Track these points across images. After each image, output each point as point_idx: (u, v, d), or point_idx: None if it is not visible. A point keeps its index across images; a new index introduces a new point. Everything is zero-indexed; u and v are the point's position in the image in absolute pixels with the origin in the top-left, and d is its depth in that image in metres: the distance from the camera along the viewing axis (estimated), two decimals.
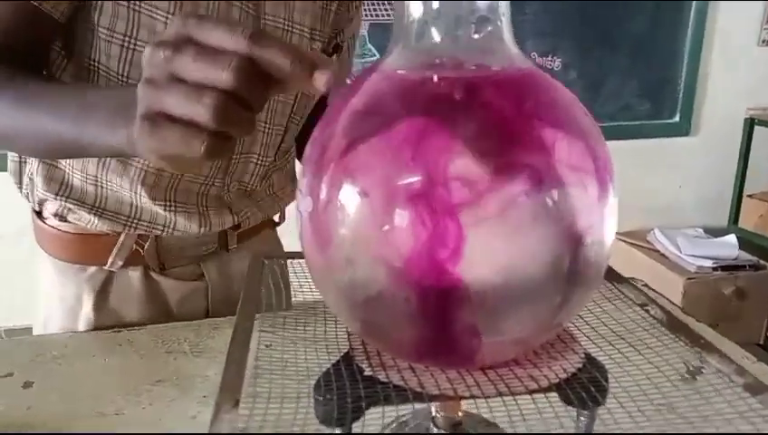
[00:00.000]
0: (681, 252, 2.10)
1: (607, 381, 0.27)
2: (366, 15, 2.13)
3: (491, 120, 0.24)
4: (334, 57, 0.77)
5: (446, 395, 0.26)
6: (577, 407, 0.27)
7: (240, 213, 0.74)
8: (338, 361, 0.29)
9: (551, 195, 0.24)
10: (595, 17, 2.29)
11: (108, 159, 0.66)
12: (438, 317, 0.25)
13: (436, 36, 0.26)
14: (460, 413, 0.32)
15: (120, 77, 0.62)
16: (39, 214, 0.72)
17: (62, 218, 0.69)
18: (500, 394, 0.26)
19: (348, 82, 0.89)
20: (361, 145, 0.24)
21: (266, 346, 0.31)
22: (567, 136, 0.25)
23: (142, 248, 0.69)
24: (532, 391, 0.26)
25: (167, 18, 0.60)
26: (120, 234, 0.68)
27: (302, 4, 0.68)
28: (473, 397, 0.26)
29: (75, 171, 0.68)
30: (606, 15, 2.30)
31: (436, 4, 0.26)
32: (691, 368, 0.29)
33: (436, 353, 0.27)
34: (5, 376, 0.58)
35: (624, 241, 2.22)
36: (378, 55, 2.09)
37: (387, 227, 0.24)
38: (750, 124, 2.26)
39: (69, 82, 0.64)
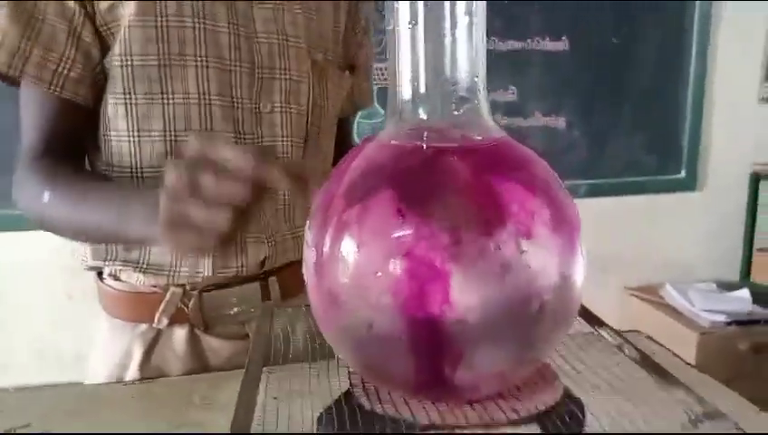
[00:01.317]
0: (694, 307, 2.10)
1: (583, 412, 0.30)
2: (375, 80, 2.22)
3: (471, 183, 0.28)
4: (346, 74, 0.79)
5: (435, 425, 0.29)
6: None
7: (276, 238, 0.73)
8: (339, 397, 0.32)
9: (522, 248, 0.28)
10: (597, 77, 2.37)
11: None
12: (427, 353, 0.28)
13: (423, 113, 0.31)
14: None
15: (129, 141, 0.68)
16: (99, 274, 0.76)
17: (117, 278, 0.73)
18: (485, 424, 0.29)
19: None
20: (358, 205, 0.29)
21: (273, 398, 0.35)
22: (538, 197, 0.29)
23: (187, 307, 0.71)
24: (513, 422, 0.29)
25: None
26: (166, 291, 0.70)
27: (292, 17, 0.71)
28: (460, 427, 0.29)
29: None
30: (608, 75, 2.38)
31: (423, 88, 0.30)
32: (660, 405, 0.31)
33: (427, 387, 0.30)
34: (23, 426, 0.61)
35: (636, 296, 2.23)
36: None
37: (380, 274, 0.27)
38: (755, 179, 2.29)
39: (108, 179, 0.69)
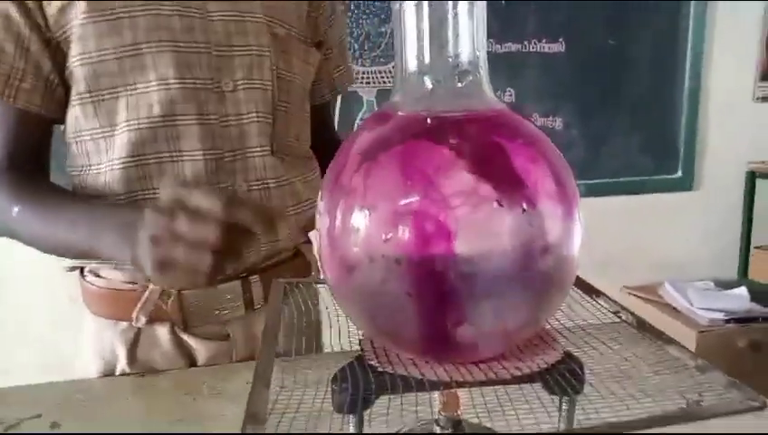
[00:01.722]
0: (692, 305, 2.11)
1: (583, 371, 0.32)
2: (372, 83, 2.24)
3: (474, 149, 0.30)
4: (313, 50, 0.79)
5: (443, 381, 0.31)
6: (558, 394, 0.32)
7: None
8: (351, 360, 0.34)
9: (525, 207, 0.30)
10: (594, 79, 2.40)
11: None
12: (434, 311, 0.30)
13: (427, 85, 0.32)
14: (459, 412, 0.36)
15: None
16: (82, 271, 0.77)
17: (97, 275, 0.74)
18: (490, 381, 0.31)
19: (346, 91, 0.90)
20: (366, 170, 0.30)
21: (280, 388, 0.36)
22: (539, 161, 0.31)
23: (166, 305, 0.71)
24: (517, 378, 0.31)
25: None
26: (145, 289, 0.71)
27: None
28: (466, 382, 0.30)
29: None
30: (604, 76, 2.40)
31: (426, 61, 0.32)
32: (656, 361, 0.33)
33: (434, 346, 0.32)
34: (34, 417, 0.61)
35: (635, 295, 2.24)
36: None
37: (390, 235, 0.29)
38: (751, 177, 2.31)
39: (79, 196, 0.71)
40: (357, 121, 2.18)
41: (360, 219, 0.30)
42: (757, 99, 2.46)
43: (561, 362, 0.32)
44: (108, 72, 0.66)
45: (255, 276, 0.75)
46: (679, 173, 2.47)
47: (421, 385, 0.31)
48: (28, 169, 0.71)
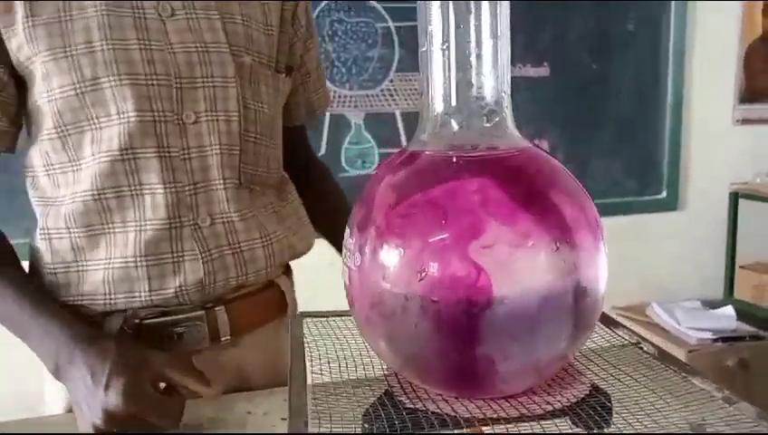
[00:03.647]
0: (680, 325, 2.14)
1: (611, 404, 0.32)
2: (360, 106, 2.26)
3: (503, 188, 0.31)
4: (283, 77, 0.78)
5: (477, 418, 0.31)
6: (588, 428, 0.32)
7: (212, 253, 0.70)
8: (380, 396, 0.34)
9: (557, 246, 0.31)
10: (579, 102, 2.44)
11: (84, 261, 0.70)
12: (466, 348, 0.30)
13: (455, 126, 0.33)
14: None
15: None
16: None
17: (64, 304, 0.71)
18: (521, 416, 0.31)
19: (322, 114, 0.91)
20: (399, 210, 0.31)
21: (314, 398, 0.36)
22: (568, 199, 0.32)
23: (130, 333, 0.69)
24: (549, 413, 0.31)
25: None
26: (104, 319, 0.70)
27: (209, 24, 0.69)
28: (501, 418, 0.31)
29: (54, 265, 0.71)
30: (589, 100, 2.45)
31: (453, 102, 0.33)
32: (680, 391, 0.34)
33: (465, 382, 0.32)
34: None
35: (623, 316, 2.26)
36: (372, 142, 2.21)
37: (424, 274, 0.30)
38: (734, 198, 2.36)
39: (19, 292, 0.69)
40: (345, 145, 2.20)
41: (393, 257, 0.31)
42: (737, 121, 2.52)
43: (589, 396, 0.33)
44: (71, 108, 0.66)
45: (221, 307, 0.72)
46: (664, 194, 2.51)
47: (456, 422, 0.31)
48: None
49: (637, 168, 2.46)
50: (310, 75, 0.84)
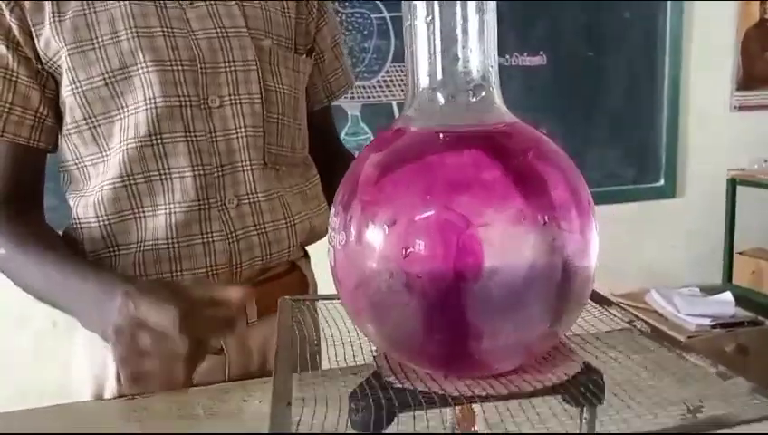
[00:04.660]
0: (679, 312, 2.14)
1: (603, 381, 0.32)
2: (357, 97, 2.25)
3: (491, 160, 0.30)
4: (303, 57, 0.79)
5: (466, 396, 0.30)
6: (579, 405, 0.32)
7: (238, 234, 0.72)
8: (368, 377, 0.33)
9: (544, 219, 0.30)
10: (575, 91, 2.43)
11: (116, 247, 0.71)
12: (454, 324, 0.30)
13: (441, 100, 0.33)
14: (476, 427, 0.36)
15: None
16: None
17: None
18: (511, 395, 0.31)
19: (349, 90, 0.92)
20: (384, 186, 0.30)
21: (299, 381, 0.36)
22: (558, 173, 0.31)
23: None
24: (540, 391, 0.31)
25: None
26: None
27: (227, 9, 0.71)
28: (489, 396, 0.30)
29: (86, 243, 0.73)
30: (585, 88, 2.44)
31: (439, 76, 0.32)
32: (674, 368, 0.33)
33: (454, 359, 0.31)
34: None
35: (622, 303, 2.26)
36: (370, 133, 2.20)
37: (410, 250, 0.29)
38: (732, 184, 2.35)
39: (60, 250, 0.70)
40: (342, 137, 2.19)
41: (378, 234, 0.30)
42: (734, 108, 2.52)
43: (581, 374, 0.32)
44: (100, 98, 0.67)
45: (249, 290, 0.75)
46: (662, 181, 2.51)
47: (444, 401, 0.30)
48: (20, 204, 0.72)
49: (634, 156, 2.46)
50: (324, 56, 0.85)
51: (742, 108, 2.53)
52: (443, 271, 0.29)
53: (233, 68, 0.71)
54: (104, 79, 0.67)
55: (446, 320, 0.30)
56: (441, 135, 0.31)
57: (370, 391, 0.31)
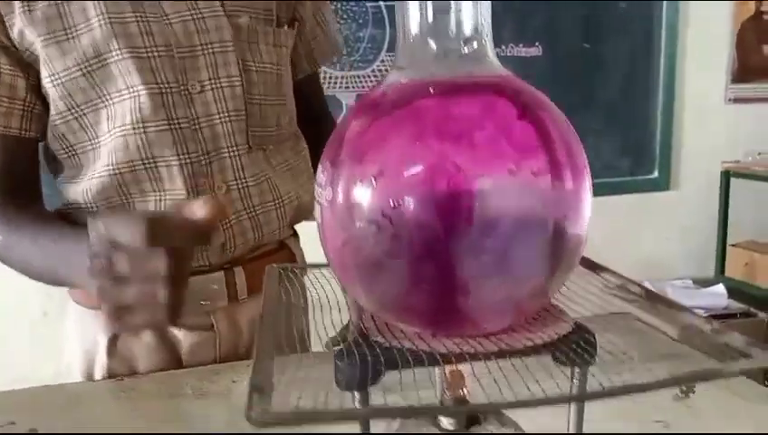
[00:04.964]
0: None
1: (595, 340, 0.31)
2: (351, 87, 2.24)
3: (482, 111, 0.29)
4: (285, 29, 0.77)
5: (454, 353, 0.30)
6: (570, 365, 0.31)
7: (230, 220, 0.71)
8: (355, 337, 0.33)
9: (536, 173, 0.29)
10: (571, 82, 2.43)
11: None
12: (442, 278, 0.29)
13: (431, 52, 0.32)
14: (466, 389, 0.35)
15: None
16: None
17: None
18: (501, 352, 0.30)
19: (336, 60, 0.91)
20: (372, 137, 0.29)
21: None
22: (547, 128, 0.30)
23: None
24: (529, 349, 0.30)
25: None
26: None
27: None
28: (478, 353, 0.29)
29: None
30: (581, 80, 2.44)
31: (430, 26, 0.31)
32: (673, 335, 0.32)
33: (442, 316, 0.31)
34: (8, 424, 0.58)
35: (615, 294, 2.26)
36: None
37: (398, 200, 0.28)
38: (726, 177, 2.36)
39: (55, 225, 0.70)
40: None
41: (365, 187, 0.29)
42: (729, 100, 2.52)
43: (572, 333, 0.31)
44: (80, 88, 0.66)
45: (239, 267, 0.75)
46: (656, 174, 2.51)
47: (432, 358, 0.30)
48: (17, 194, 0.71)
49: (629, 147, 2.46)
50: (306, 24, 0.82)
51: (737, 100, 2.53)
52: (432, 223, 0.28)
53: (210, 50, 0.69)
54: (81, 69, 0.65)
55: (434, 274, 0.29)
56: (431, 86, 0.30)
57: (357, 349, 0.31)
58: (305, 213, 0.82)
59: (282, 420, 0.22)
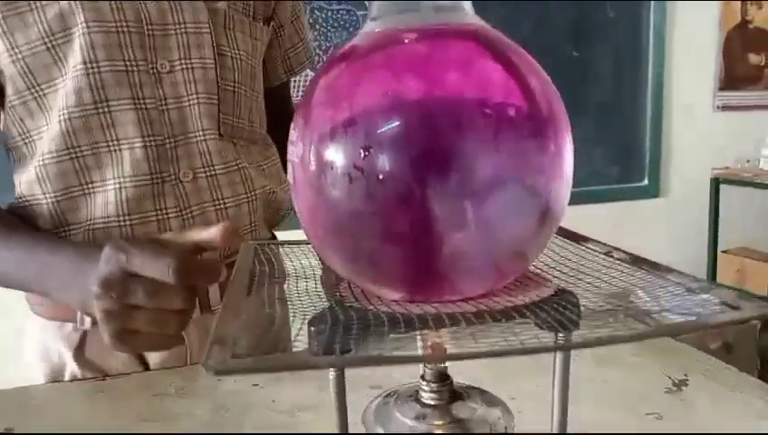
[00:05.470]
0: None
1: (578, 303, 0.30)
2: None
3: (458, 58, 0.28)
4: (261, 25, 0.75)
5: (431, 315, 0.28)
6: (554, 330, 0.30)
7: (192, 210, 0.68)
8: (330, 304, 0.31)
9: (516, 126, 0.28)
10: (559, 91, 2.43)
11: (64, 226, 0.67)
12: (418, 236, 0.27)
13: (405, 3, 0.31)
14: (447, 364, 0.34)
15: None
16: None
17: None
18: (479, 313, 0.28)
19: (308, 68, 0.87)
20: (341, 83, 0.28)
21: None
22: (523, 76, 0.29)
23: None
24: (509, 310, 0.28)
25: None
26: None
27: None
28: (455, 314, 0.28)
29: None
30: (569, 89, 2.44)
31: None
32: (653, 286, 0.31)
33: (420, 278, 0.29)
34: None
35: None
36: None
37: (369, 149, 0.27)
38: (716, 183, 2.36)
39: (23, 230, 0.66)
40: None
41: (335, 137, 0.28)
42: (717, 108, 2.53)
43: (555, 296, 0.30)
44: (44, 65, 0.63)
45: None
46: (645, 181, 2.51)
47: (408, 321, 0.28)
48: None
49: (618, 155, 2.46)
50: (284, 29, 0.81)
51: (725, 108, 2.55)
52: (405, 173, 0.27)
53: (183, 30, 0.66)
54: (44, 43, 0.62)
55: (409, 228, 0.27)
56: (403, 33, 0.29)
57: (330, 313, 0.29)
58: (282, 211, 0.78)
59: (238, 368, 0.20)
